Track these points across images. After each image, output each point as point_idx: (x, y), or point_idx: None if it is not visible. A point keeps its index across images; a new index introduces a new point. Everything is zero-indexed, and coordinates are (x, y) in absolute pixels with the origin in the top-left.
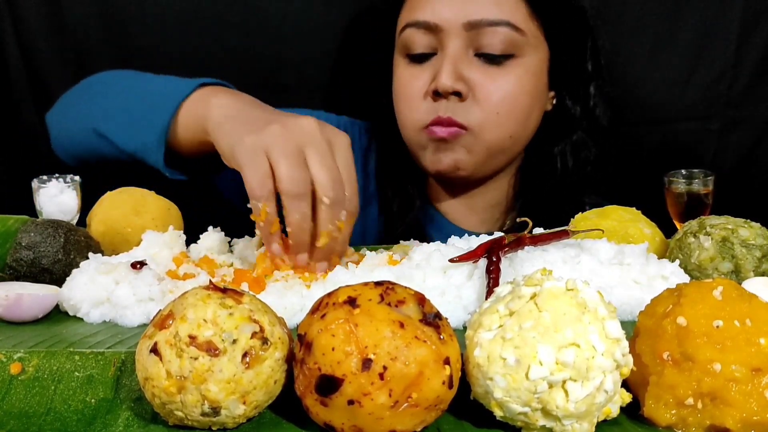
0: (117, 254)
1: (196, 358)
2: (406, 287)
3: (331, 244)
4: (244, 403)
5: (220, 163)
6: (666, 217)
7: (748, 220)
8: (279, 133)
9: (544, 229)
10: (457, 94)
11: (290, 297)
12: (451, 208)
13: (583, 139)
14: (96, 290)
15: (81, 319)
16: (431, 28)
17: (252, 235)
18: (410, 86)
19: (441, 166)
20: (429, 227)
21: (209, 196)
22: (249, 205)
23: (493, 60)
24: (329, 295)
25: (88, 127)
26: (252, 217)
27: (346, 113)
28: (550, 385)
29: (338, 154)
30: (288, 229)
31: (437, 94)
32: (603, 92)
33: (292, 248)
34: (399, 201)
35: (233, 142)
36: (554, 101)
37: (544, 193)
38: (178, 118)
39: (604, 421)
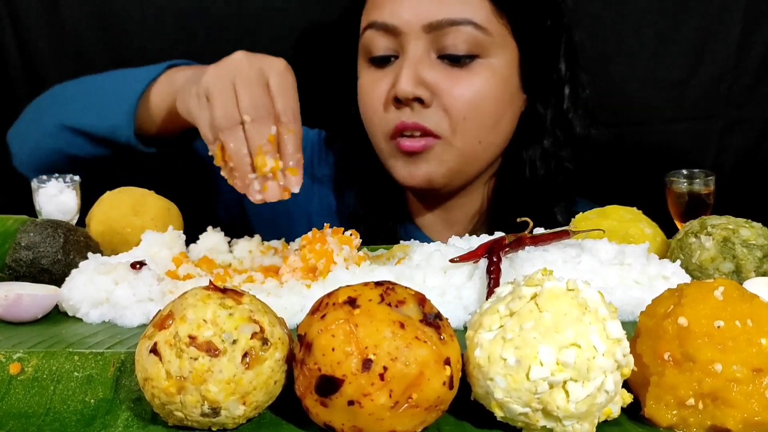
0: (116, 254)
1: (195, 359)
2: (406, 287)
3: (272, 158)
4: (244, 403)
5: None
6: (667, 217)
7: (749, 220)
8: (212, 74)
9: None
10: (419, 100)
11: (290, 297)
12: (430, 222)
13: (555, 145)
14: (95, 290)
15: (80, 320)
16: (390, 30)
17: (251, 234)
18: (372, 92)
19: (414, 181)
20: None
21: (209, 196)
22: (209, 153)
23: (457, 61)
24: (329, 295)
25: (55, 126)
26: (216, 163)
27: (311, 122)
28: (551, 386)
29: (272, 77)
30: (230, 163)
31: (399, 101)
32: (578, 97)
33: (239, 177)
34: (375, 216)
35: (186, 98)
36: (526, 104)
37: (515, 201)
38: (150, 97)
39: (605, 421)
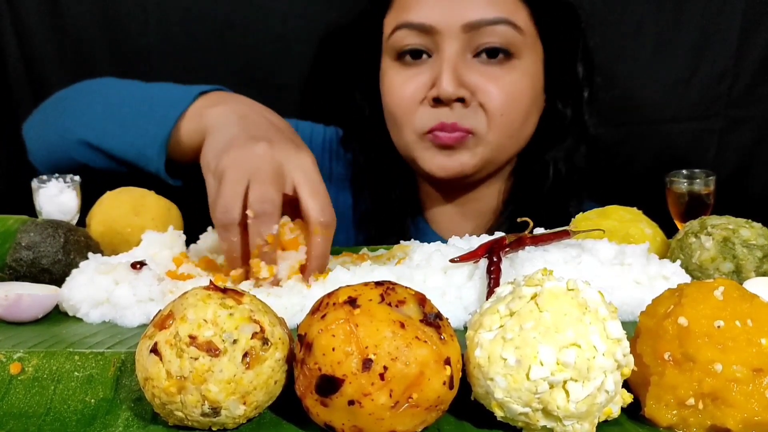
0: (117, 254)
1: (196, 359)
2: (406, 287)
3: (266, 256)
4: (244, 403)
5: None
6: (667, 217)
7: (750, 220)
8: (232, 159)
9: (542, 230)
10: (461, 100)
11: (290, 297)
12: (443, 215)
13: (574, 145)
14: (96, 290)
15: (81, 320)
16: (426, 30)
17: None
18: (404, 90)
19: (447, 172)
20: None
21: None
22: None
23: (493, 58)
24: (329, 295)
25: (73, 138)
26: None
27: (327, 119)
28: (551, 386)
29: (297, 174)
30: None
31: (437, 101)
32: (593, 99)
33: (231, 270)
34: (388, 212)
35: (205, 158)
36: (545, 105)
37: (535, 199)
38: (179, 130)
39: (605, 421)
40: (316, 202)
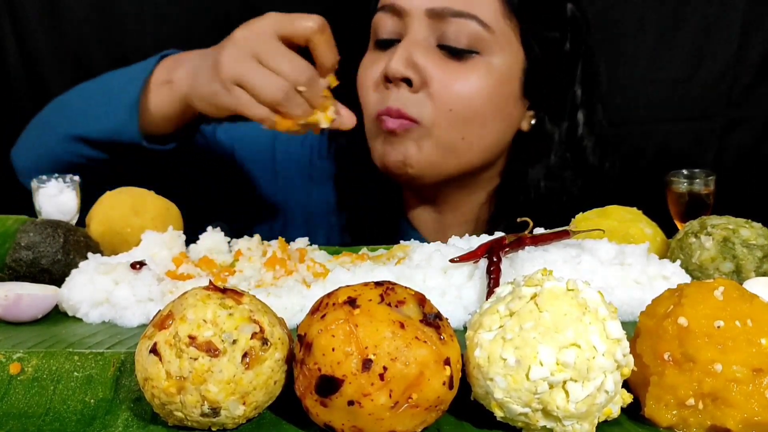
0: (116, 254)
1: (195, 359)
2: (406, 287)
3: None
4: (243, 403)
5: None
6: (667, 217)
7: (750, 220)
8: (230, 61)
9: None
10: (408, 81)
11: (290, 297)
12: (424, 222)
13: (560, 166)
14: (95, 290)
15: (80, 320)
16: (397, 12)
17: (251, 234)
18: (368, 72)
19: (388, 160)
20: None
21: (209, 196)
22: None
23: (455, 54)
24: (329, 295)
25: (60, 137)
26: (279, 129)
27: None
28: (551, 386)
29: (311, 37)
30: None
31: (388, 81)
32: (593, 125)
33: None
34: (370, 211)
35: (207, 95)
36: (533, 121)
37: (511, 215)
38: (149, 94)
39: (605, 421)
40: (305, 22)
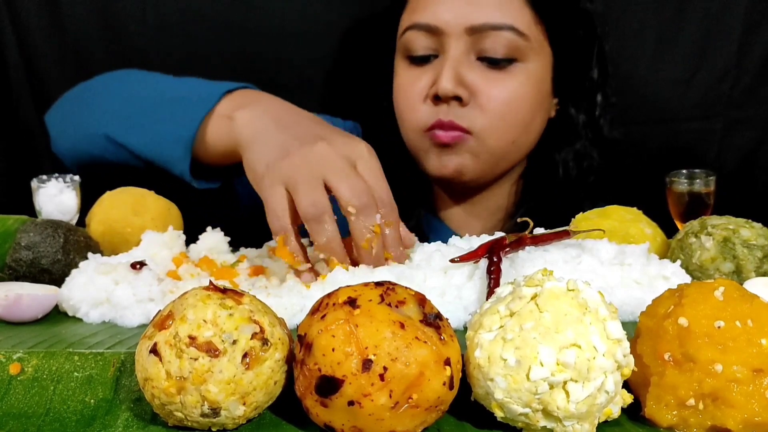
0: (116, 254)
1: (195, 359)
2: (406, 288)
3: (378, 249)
4: (244, 404)
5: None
6: (667, 217)
7: (750, 221)
8: (297, 164)
9: (542, 230)
10: (458, 98)
11: (290, 297)
12: (453, 214)
13: (586, 147)
14: (95, 290)
15: (80, 320)
16: (432, 31)
17: (252, 237)
18: (411, 88)
19: (445, 171)
20: (431, 236)
21: (209, 196)
22: (273, 241)
23: (496, 64)
24: (329, 295)
25: (97, 132)
26: (277, 254)
27: (343, 115)
28: (551, 386)
29: (360, 164)
30: (318, 253)
31: (438, 99)
32: (608, 102)
33: (340, 262)
34: (403, 208)
35: (257, 170)
36: (557, 108)
37: (546, 201)
38: (205, 131)
39: (605, 421)
40: (382, 187)
